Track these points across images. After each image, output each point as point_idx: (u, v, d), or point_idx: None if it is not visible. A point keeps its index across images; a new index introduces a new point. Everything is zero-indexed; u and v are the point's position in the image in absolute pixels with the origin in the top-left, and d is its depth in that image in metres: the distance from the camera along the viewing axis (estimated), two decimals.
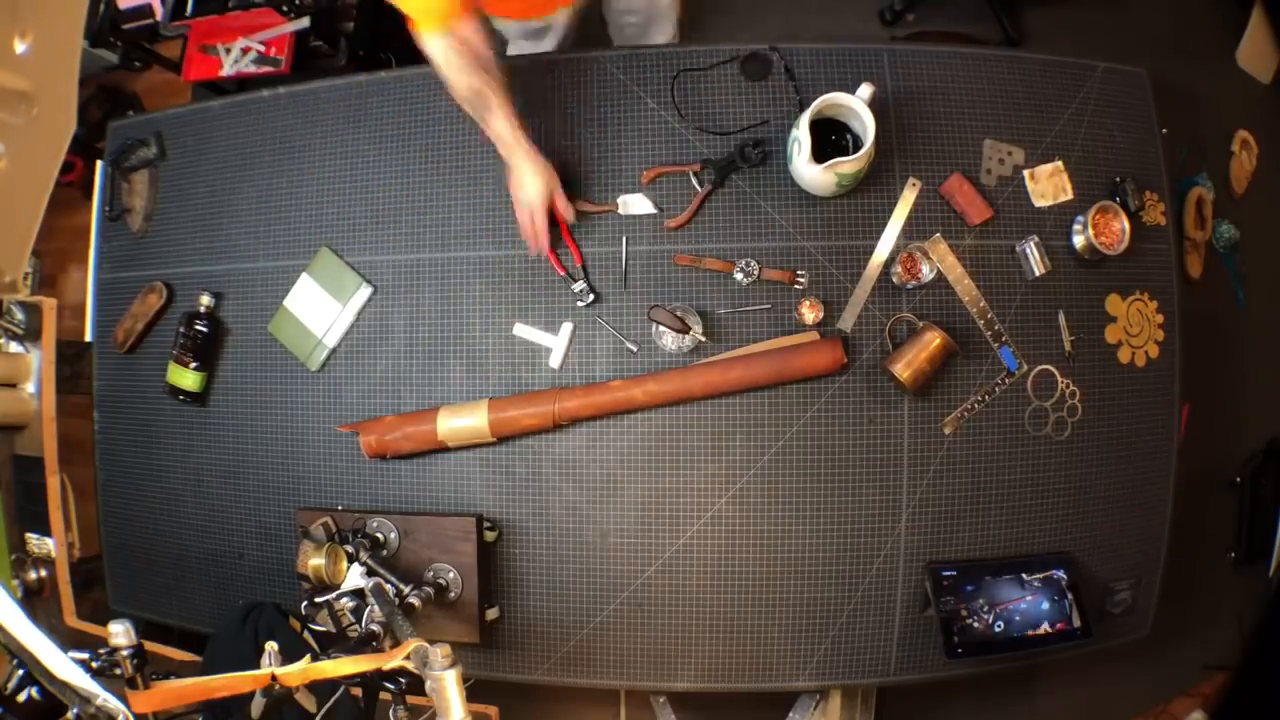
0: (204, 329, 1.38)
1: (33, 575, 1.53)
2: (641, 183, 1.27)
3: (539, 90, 1.33)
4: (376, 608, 0.99)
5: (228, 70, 1.96)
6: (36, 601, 1.52)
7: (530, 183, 1.14)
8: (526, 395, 1.26)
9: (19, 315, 1.55)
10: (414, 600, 1.10)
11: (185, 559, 1.44)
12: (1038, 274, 1.24)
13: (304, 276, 1.37)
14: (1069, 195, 1.28)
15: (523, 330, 1.30)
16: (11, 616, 0.68)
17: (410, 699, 0.93)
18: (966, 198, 1.24)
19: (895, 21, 2.07)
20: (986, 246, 1.26)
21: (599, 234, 1.29)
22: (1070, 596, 1.20)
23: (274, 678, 0.77)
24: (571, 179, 1.25)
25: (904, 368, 1.17)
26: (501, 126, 1.10)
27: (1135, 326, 1.29)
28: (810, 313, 1.23)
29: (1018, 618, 1.20)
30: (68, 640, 0.88)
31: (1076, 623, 1.20)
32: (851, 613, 1.25)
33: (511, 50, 1.54)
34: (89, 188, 1.57)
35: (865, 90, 1.13)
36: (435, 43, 1.04)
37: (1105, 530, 1.28)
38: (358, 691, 0.94)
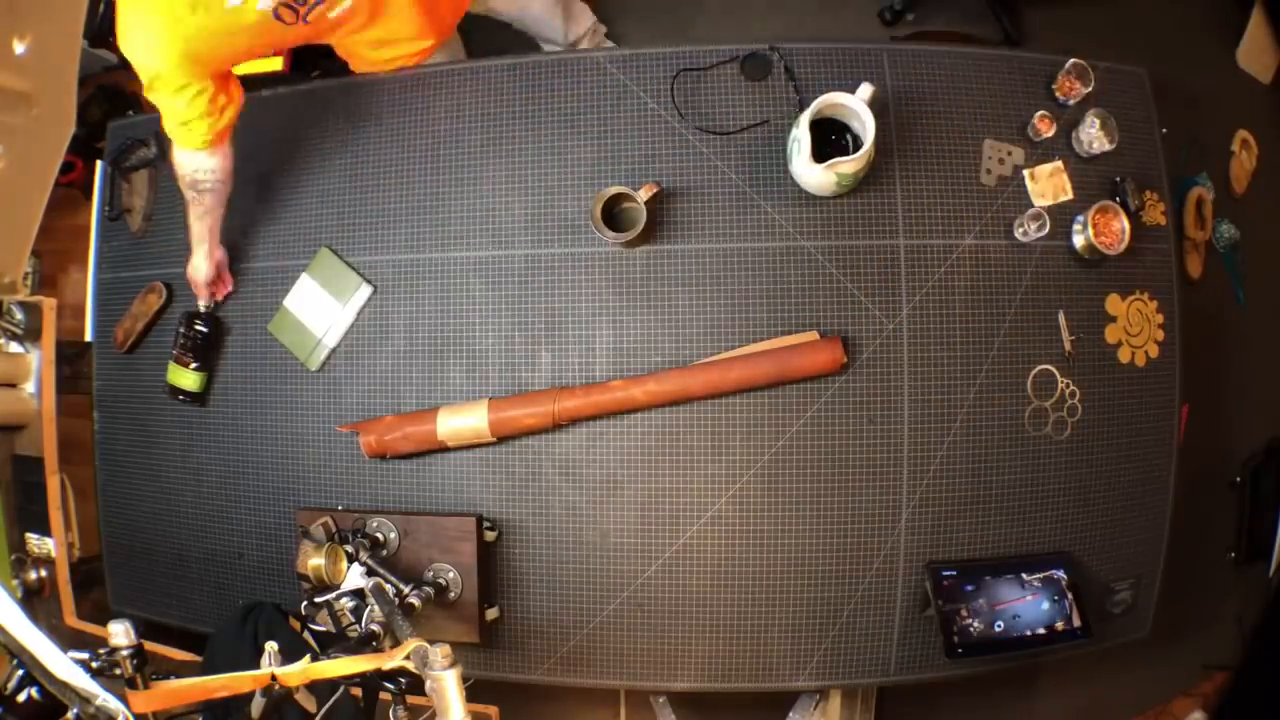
0: (204, 329, 1.38)
1: (33, 575, 1.53)
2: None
3: (538, 91, 1.33)
4: (376, 608, 0.99)
5: None
6: (36, 601, 1.52)
7: (201, 267, 1.34)
8: (526, 395, 1.26)
9: (19, 315, 1.55)
10: (414, 600, 1.10)
11: (185, 559, 1.45)
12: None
13: (304, 276, 1.37)
14: (1069, 195, 1.28)
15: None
16: (11, 616, 0.68)
17: (410, 699, 0.93)
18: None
19: (895, 21, 2.07)
20: (987, 246, 1.26)
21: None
22: (1070, 596, 1.20)
23: (274, 678, 0.77)
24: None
25: None
26: (201, 228, 1.29)
27: (1135, 326, 1.28)
28: None
29: (1018, 618, 1.19)
30: (68, 640, 0.88)
31: (1076, 623, 1.20)
32: (851, 613, 1.25)
33: None
34: (89, 188, 1.57)
35: (865, 90, 1.12)
36: (186, 155, 1.20)
37: (1105, 530, 1.28)
38: (358, 691, 0.94)
